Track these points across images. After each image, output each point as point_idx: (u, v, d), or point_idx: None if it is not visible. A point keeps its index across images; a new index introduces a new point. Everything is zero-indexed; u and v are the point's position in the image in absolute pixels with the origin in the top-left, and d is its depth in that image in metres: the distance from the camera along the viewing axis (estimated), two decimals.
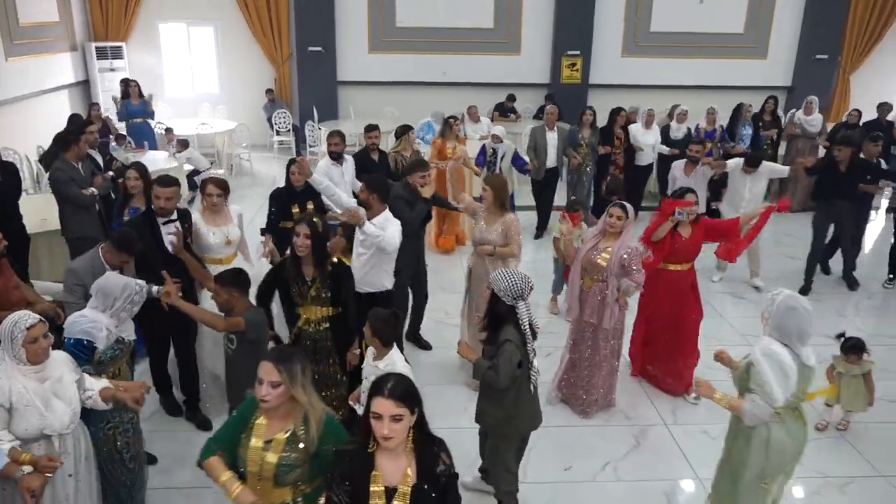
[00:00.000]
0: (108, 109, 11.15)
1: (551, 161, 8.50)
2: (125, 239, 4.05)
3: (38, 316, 2.95)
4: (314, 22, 12.60)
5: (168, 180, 4.53)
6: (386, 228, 4.55)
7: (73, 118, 9.76)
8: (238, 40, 13.06)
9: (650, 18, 13.09)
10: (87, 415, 3.21)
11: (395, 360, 3.59)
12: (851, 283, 7.39)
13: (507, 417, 3.58)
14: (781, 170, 7.25)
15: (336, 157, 6.53)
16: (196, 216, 4.77)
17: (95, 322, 3.36)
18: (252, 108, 12.91)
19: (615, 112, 8.95)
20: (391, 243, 4.54)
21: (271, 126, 12.59)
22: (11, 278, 4.29)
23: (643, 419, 4.93)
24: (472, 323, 5.05)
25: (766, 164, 7.06)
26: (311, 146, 11.62)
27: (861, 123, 9.80)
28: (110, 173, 6.31)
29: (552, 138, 8.48)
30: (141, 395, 3.20)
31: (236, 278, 3.68)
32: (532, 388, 3.54)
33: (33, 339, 2.89)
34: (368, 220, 4.54)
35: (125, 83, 10.59)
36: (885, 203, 10.06)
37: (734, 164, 7.13)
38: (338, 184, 6.10)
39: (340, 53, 12.97)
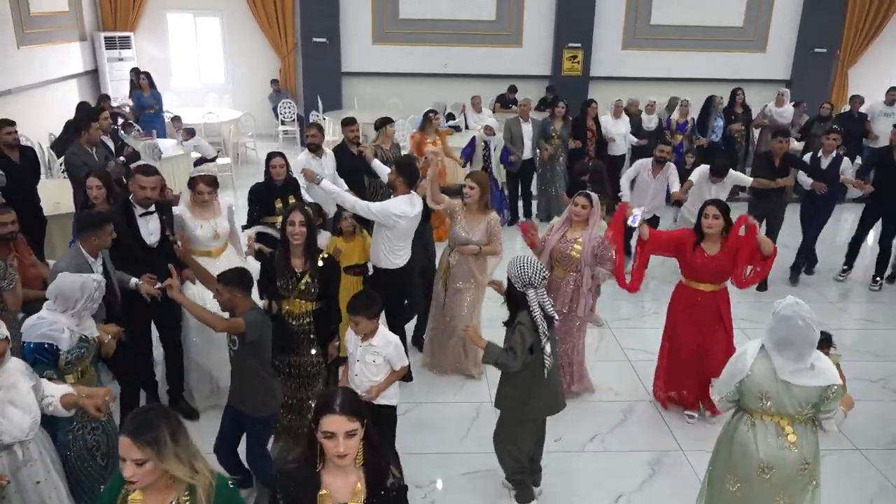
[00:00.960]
0: (117, 99, 11.36)
1: (527, 152, 8.53)
2: (88, 219, 4.01)
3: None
4: (319, 13, 12.78)
5: (149, 170, 4.42)
6: (391, 206, 4.74)
7: (82, 106, 9.99)
8: (244, 31, 13.25)
9: (650, 11, 13.24)
10: (54, 417, 3.10)
11: (387, 336, 3.71)
12: (793, 278, 7.45)
13: (522, 401, 3.68)
14: (745, 180, 6.91)
15: (314, 149, 6.41)
16: (182, 209, 4.74)
17: (55, 323, 3.28)
18: (257, 98, 13.12)
19: (586, 104, 9.10)
20: (359, 206, 4.73)
21: (276, 116, 12.80)
22: (29, 256, 4.52)
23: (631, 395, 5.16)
24: (440, 327, 5.23)
25: (732, 173, 6.78)
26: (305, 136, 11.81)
27: (833, 116, 9.99)
28: (121, 158, 6.53)
29: (527, 129, 8.51)
30: (104, 402, 3.06)
31: (239, 278, 3.59)
32: (546, 373, 3.57)
33: None
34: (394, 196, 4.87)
35: (136, 73, 10.81)
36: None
37: (699, 173, 6.78)
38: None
39: (345, 45, 13.16)
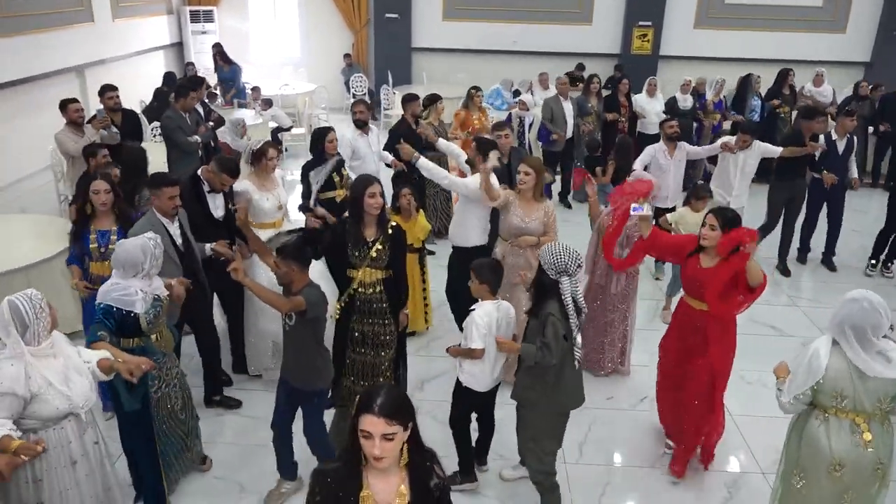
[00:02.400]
0: (199, 70, 11.99)
1: (569, 130, 8.46)
2: (151, 179, 4.17)
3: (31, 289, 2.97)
4: None
5: (236, 172, 4.58)
6: (469, 185, 4.85)
7: (168, 76, 10.65)
8: (319, 7, 13.69)
9: None
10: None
11: (476, 312, 3.67)
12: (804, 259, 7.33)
13: (548, 392, 3.52)
14: (774, 150, 6.59)
15: (361, 125, 6.43)
16: (245, 184, 4.82)
17: (128, 288, 3.39)
18: (331, 72, 13.57)
19: (618, 81, 9.11)
20: (457, 182, 4.89)
21: (348, 89, 13.21)
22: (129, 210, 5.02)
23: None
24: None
25: (759, 143, 6.55)
26: (385, 109, 12.19)
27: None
28: (211, 123, 7.03)
29: (568, 108, 8.45)
30: (137, 367, 3.11)
31: (299, 252, 3.53)
32: (576, 363, 3.50)
33: (49, 305, 2.93)
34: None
35: (218, 49, 11.40)
36: None
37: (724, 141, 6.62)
38: (366, 154, 6.35)
39: (415, 20, 13.44)
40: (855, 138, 7.00)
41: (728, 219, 3.78)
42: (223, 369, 4.93)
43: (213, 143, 6.99)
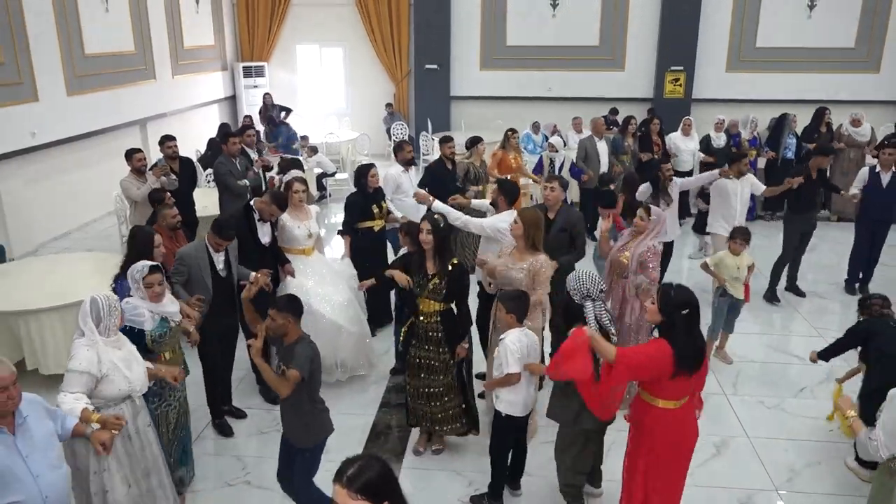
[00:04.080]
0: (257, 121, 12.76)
1: (604, 168, 8.76)
2: (218, 225, 4.66)
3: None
4: (431, 42, 13.82)
5: (284, 205, 5.30)
6: (497, 222, 5.14)
7: (223, 126, 11.41)
8: (363, 60, 14.50)
9: (756, 33, 13.33)
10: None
11: (507, 339, 3.90)
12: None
13: (574, 411, 3.72)
14: (759, 187, 6.89)
15: (410, 164, 6.93)
16: (283, 215, 5.45)
17: (137, 308, 3.84)
18: (373, 120, 14.25)
19: (649, 121, 9.40)
20: (472, 223, 5.23)
21: (389, 137, 13.82)
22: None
23: None
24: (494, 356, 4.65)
25: (750, 177, 6.88)
26: (424, 154, 12.73)
27: None
28: (256, 169, 7.58)
29: (602, 147, 8.82)
30: (180, 372, 3.80)
31: (292, 304, 3.67)
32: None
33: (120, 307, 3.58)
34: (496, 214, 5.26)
35: (273, 108, 12.16)
36: None
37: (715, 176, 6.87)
38: (407, 190, 6.78)
39: (454, 71, 14.11)
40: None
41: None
42: (238, 408, 5.21)
43: (262, 188, 7.54)
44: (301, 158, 10.65)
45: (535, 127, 11.75)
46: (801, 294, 7.42)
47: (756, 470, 4.57)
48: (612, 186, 7.34)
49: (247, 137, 7.87)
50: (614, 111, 12.93)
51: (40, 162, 8.93)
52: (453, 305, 4.41)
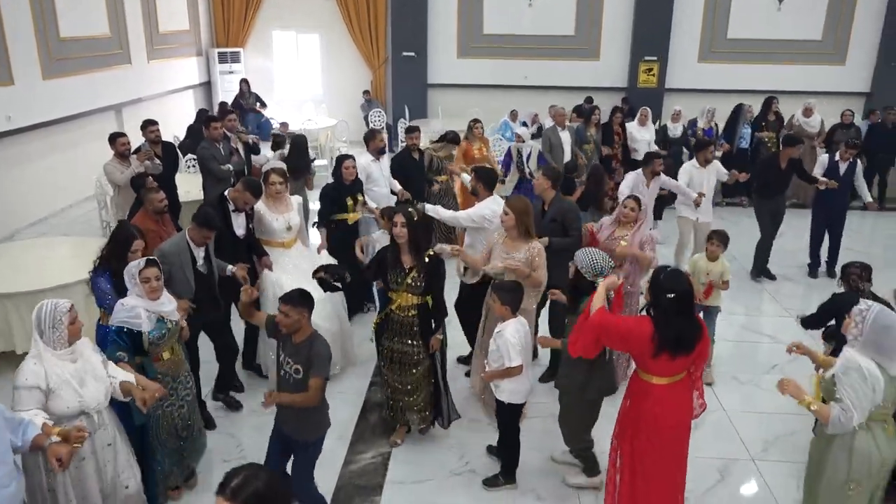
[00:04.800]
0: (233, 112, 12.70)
1: (567, 159, 8.62)
2: (205, 217, 4.48)
3: (67, 300, 3.29)
4: (408, 29, 13.85)
5: (258, 191, 5.10)
6: (482, 210, 5.33)
7: (201, 112, 11.34)
8: (340, 46, 14.46)
9: (727, 25, 13.62)
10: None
11: (507, 331, 4.02)
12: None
13: (582, 381, 3.92)
14: (723, 174, 7.35)
15: (381, 153, 6.79)
16: (260, 205, 5.28)
17: (133, 308, 3.64)
18: (350, 107, 14.24)
19: (612, 112, 9.52)
20: (443, 215, 5.41)
21: (367, 124, 13.81)
22: (172, 231, 5.56)
23: None
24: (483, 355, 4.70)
25: (715, 164, 7.30)
26: (402, 142, 12.77)
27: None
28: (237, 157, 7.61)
29: (565, 137, 8.80)
30: (152, 398, 3.36)
31: (306, 299, 3.52)
32: (606, 355, 3.88)
33: (73, 319, 3.23)
34: (478, 202, 5.43)
35: (245, 87, 12.15)
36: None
37: (689, 165, 7.31)
38: (377, 179, 6.73)
39: (431, 58, 14.16)
40: (858, 162, 7.64)
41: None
42: (237, 376, 5.28)
43: (245, 172, 7.57)
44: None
45: (513, 115, 11.89)
46: (771, 277, 7.71)
47: (732, 441, 4.80)
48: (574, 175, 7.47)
49: (228, 122, 7.88)
50: (589, 99, 13.12)
51: (16, 146, 8.81)
52: (429, 298, 4.36)
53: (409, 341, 4.37)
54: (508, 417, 4.23)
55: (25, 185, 9.02)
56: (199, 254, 4.53)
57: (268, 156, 8.38)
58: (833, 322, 4.58)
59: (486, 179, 5.49)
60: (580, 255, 3.88)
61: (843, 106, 12.05)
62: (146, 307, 3.66)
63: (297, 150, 7.55)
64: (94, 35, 10.35)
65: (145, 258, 3.74)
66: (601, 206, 7.93)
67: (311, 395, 3.45)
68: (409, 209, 4.36)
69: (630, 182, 6.84)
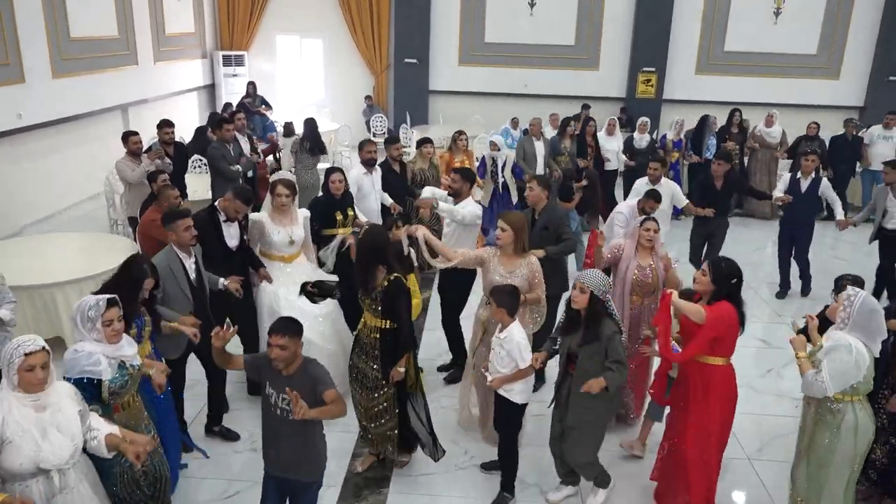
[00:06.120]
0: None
1: (540, 169, 8.67)
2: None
3: (42, 343, 2.80)
4: (411, 36, 14.06)
5: (249, 199, 4.85)
6: (465, 207, 5.50)
7: (213, 115, 11.49)
8: (343, 51, 14.64)
9: (724, 38, 13.87)
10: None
11: (513, 333, 3.96)
12: None
13: (606, 405, 3.90)
14: (680, 200, 6.98)
15: (371, 164, 6.55)
16: (262, 215, 5.06)
17: (92, 355, 3.17)
18: (352, 112, 14.41)
19: (585, 122, 9.65)
20: (463, 214, 5.45)
21: (368, 129, 14.03)
22: None
23: None
24: (479, 382, 4.56)
25: (671, 185, 6.99)
26: (404, 147, 12.92)
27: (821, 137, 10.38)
28: (255, 156, 7.81)
29: (539, 147, 8.79)
30: (145, 451, 2.95)
31: (297, 324, 3.25)
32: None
33: (30, 367, 2.73)
34: (457, 203, 5.46)
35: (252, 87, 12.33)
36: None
37: (639, 181, 7.01)
38: (369, 192, 6.50)
39: (433, 65, 14.36)
40: (824, 178, 7.40)
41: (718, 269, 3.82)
42: (225, 398, 4.92)
43: (253, 174, 7.74)
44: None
45: (514, 122, 12.07)
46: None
47: (730, 441, 4.92)
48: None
49: (238, 122, 8.06)
50: (586, 107, 13.31)
51: (26, 144, 8.94)
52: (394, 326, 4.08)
53: (372, 364, 4.16)
54: (518, 420, 4.20)
55: (33, 182, 9.14)
56: (190, 264, 4.28)
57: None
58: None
59: (469, 178, 5.59)
60: (588, 276, 3.76)
61: (837, 120, 12.32)
62: (105, 353, 3.21)
63: (310, 129, 8.37)
64: (102, 35, 10.50)
65: (105, 297, 3.24)
66: (598, 211, 8.14)
67: (335, 406, 3.19)
68: (367, 228, 4.28)
69: (638, 188, 6.73)
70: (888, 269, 7.15)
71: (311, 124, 8.54)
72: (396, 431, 4.29)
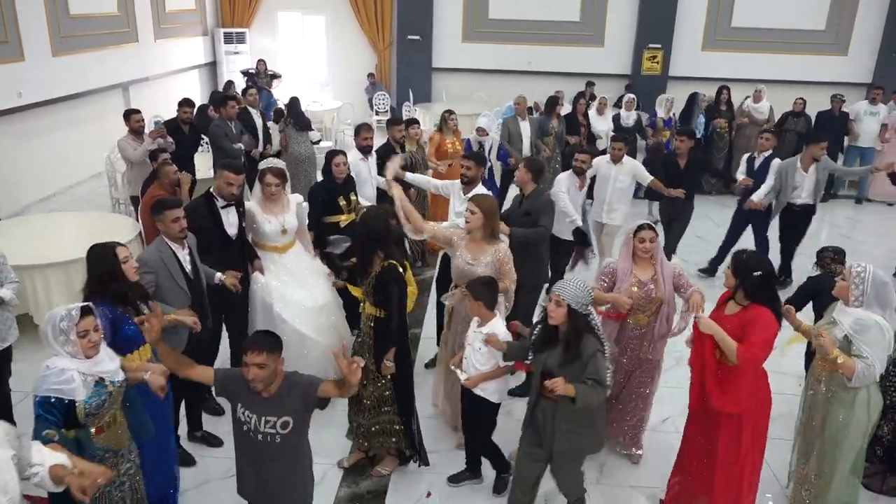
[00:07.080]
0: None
1: (525, 151, 8.29)
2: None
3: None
4: (414, 13, 13.90)
5: (237, 168, 4.53)
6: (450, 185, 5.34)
7: (215, 94, 11.43)
8: (345, 28, 14.49)
9: (731, 14, 13.68)
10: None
11: (497, 327, 3.78)
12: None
13: (595, 430, 3.51)
14: (644, 177, 6.55)
15: (367, 151, 6.31)
16: (252, 204, 4.73)
17: (63, 373, 2.80)
18: (355, 90, 14.30)
19: (576, 100, 9.45)
20: (436, 184, 5.42)
21: (371, 106, 13.93)
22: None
23: None
24: (450, 371, 4.23)
25: (633, 163, 6.59)
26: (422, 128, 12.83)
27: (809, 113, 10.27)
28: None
29: (525, 128, 8.39)
30: (93, 485, 2.56)
31: (276, 338, 2.97)
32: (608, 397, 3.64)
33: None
34: (468, 191, 4.99)
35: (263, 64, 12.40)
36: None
37: (599, 159, 6.62)
38: (365, 178, 6.20)
39: (436, 42, 14.21)
40: (776, 157, 7.02)
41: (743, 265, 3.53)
42: (215, 398, 4.67)
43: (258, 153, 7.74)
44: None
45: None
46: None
47: None
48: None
49: (249, 97, 8.16)
50: (590, 83, 13.18)
51: (26, 122, 8.88)
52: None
53: (368, 355, 4.01)
54: (493, 419, 4.02)
55: (35, 161, 9.10)
56: (184, 256, 3.98)
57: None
58: (811, 303, 4.59)
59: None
60: (565, 287, 3.31)
61: (847, 96, 12.17)
62: (81, 369, 2.83)
63: (293, 106, 8.59)
64: (102, 13, 10.39)
65: (78, 305, 2.87)
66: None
67: (347, 385, 2.95)
68: (364, 210, 4.20)
69: (564, 184, 6.04)
70: (791, 246, 7.13)
71: (293, 101, 8.69)
72: (401, 426, 4.11)
